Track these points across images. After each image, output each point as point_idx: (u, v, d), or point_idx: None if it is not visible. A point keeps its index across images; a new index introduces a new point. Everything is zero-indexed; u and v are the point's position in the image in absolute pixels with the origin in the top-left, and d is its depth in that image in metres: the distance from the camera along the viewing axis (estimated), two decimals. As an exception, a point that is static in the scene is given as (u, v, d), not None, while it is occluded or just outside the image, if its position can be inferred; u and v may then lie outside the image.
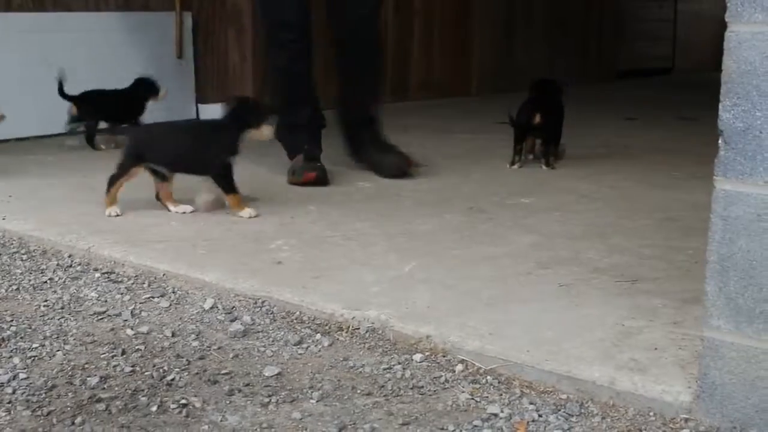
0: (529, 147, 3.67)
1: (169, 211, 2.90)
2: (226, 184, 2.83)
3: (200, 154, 2.86)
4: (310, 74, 3.51)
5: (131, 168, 2.86)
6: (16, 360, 1.78)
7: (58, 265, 2.43)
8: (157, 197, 2.94)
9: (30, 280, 2.29)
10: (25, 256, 2.51)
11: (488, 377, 1.69)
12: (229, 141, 2.84)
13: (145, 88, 4.22)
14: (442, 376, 1.70)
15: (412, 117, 5.32)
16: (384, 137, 3.57)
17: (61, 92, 4.07)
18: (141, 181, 2.99)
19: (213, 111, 5.26)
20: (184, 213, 2.87)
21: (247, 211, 2.81)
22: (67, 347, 1.86)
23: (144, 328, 1.96)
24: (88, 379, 1.69)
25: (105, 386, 1.67)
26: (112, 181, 2.87)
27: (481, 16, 7.04)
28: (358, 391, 1.65)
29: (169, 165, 2.89)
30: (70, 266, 2.41)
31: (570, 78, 4.08)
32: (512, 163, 3.62)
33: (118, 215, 2.84)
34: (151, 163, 2.88)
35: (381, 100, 3.74)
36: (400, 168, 3.42)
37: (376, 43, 3.66)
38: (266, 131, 2.90)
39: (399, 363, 1.76)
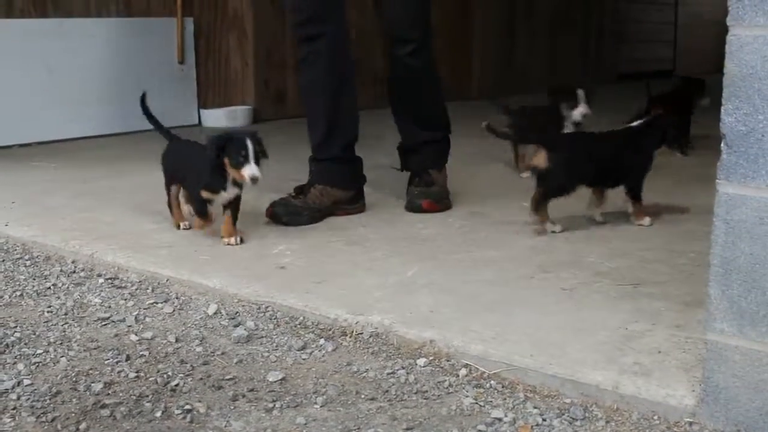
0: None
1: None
2: (639, 192, 2.72)
3: (635, 164, 2.70)
4: (325, 88, 2.91)
5: (569, 191, 2.65)
6: (20, 366, 1.78)
7: (61, 270, 2.43)
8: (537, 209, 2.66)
9: (33, 286, 2.30)
10: (28, 262, 2.51)
11: (492, 381, 1.69)
12: (653, 150, 2.73)
13: None
14: (445, 380, 1.70)
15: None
16: (427, 171, 3.09)
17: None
18: (143, 183, 2.99)
19: (214, 116, 5.32)
20: (553, 232, 2.65)
21: (647, 220, 2.72)
22: (71, 353, 1.86)
23: (148, 334, 1.96)
24: (93, 384, 1.70)
25: (109, 392, 1.67)
26: (541, 200, 2.64)
27: (482, 18, 7.05)
28: (362, 396, 1.66)
29: (599, 178, 2.70)
30: (74, 272, 2.42)
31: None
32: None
33: (561, 230, 2.66)
34: (585, 182, 2.68)
35: (437, 127, 3.17)
36: (413, 208, 3.00)
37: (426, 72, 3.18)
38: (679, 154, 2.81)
39: (403, 368, 1.76)
